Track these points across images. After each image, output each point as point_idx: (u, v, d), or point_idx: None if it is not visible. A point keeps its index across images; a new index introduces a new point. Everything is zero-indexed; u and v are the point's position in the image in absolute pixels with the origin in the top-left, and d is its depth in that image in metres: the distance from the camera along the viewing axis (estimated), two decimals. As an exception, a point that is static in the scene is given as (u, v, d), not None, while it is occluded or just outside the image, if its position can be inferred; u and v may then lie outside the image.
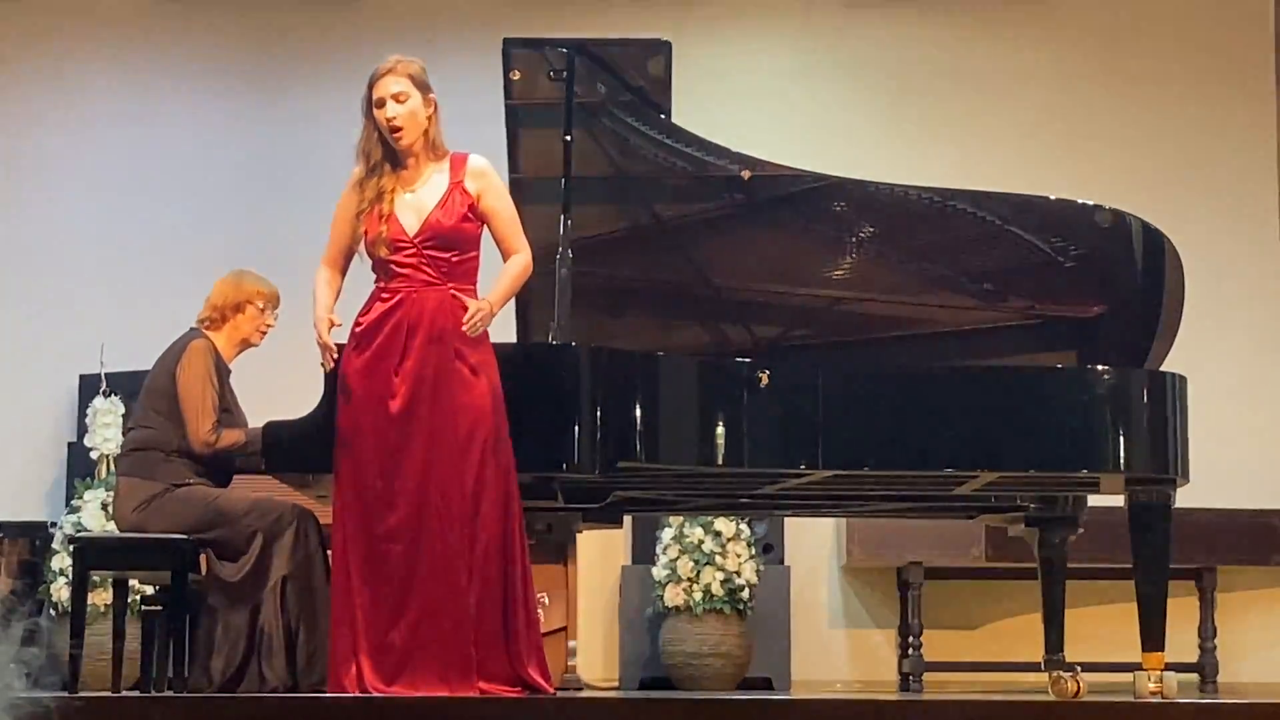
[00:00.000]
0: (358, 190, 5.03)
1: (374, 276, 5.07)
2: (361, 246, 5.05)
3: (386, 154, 5.03)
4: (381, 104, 4.99)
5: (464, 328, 4.90)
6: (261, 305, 5.79)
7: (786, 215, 5.82)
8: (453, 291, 4.97)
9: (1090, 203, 5.78)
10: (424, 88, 5.03)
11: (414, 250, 4.97)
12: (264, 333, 5.82)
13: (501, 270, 5.07)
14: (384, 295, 4.99)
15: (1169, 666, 5.42)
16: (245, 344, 5.80)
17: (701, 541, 8.02)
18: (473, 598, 4.84)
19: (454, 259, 4.98)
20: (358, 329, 4.98)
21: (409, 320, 4.93)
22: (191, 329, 5.75)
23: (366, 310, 5.00)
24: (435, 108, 5.05)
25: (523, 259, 5.06)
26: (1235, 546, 8.10)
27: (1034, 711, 4.62)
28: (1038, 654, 6.02)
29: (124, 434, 5.85)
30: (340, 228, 5.07)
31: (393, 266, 4.98)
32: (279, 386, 5.86)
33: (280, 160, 8.86)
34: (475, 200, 5.01)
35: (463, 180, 5.02)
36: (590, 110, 5.65)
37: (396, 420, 4.89)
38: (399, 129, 4.98)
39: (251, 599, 5.39)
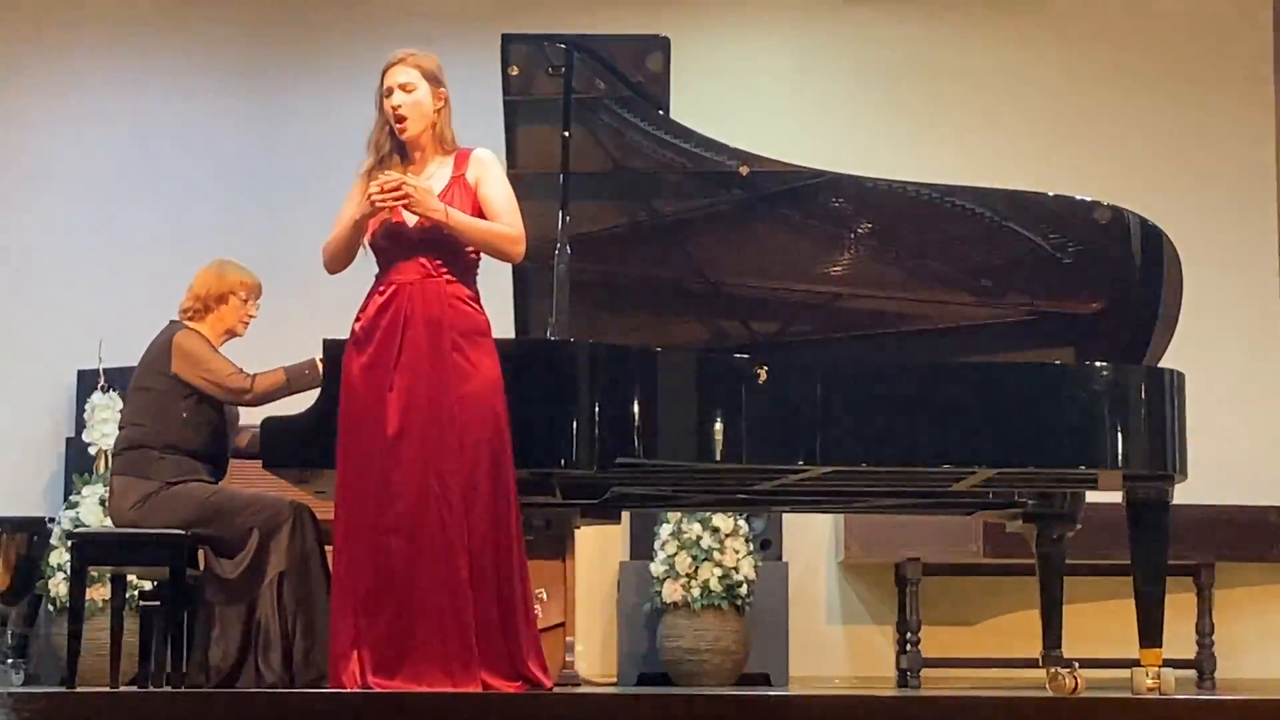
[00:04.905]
0: (365, 181, 5.03)
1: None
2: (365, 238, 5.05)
3: (395, 146, 5.04)
4: (390, 93, 5.01)
5: (380, 179, 4.89)
6: (244, 296, 5.78)
7: (785, 211, 5.82)
8: (448, 282, 4.97)
9: (1089, 199, 5.78)
10: (434, 81, 5.03)
11: (412, 244, 4.97)
12: (246, 323, 5.81)
13: None
14: (380, 289, 5.00)
15: (1167, 662, 5.43)
16: (230, 334, 5.79)
17: (700, 537, 8.03)
18: (470, 590, 4.84)
19: (452, 254, 4.98)
20: (357, 325, 4.98)
21: (404, 313, 4.93)
22: (171, 322, 5.73)
23: (365, 307, 5.01)
24: (446, 102, 5.05)
25: (509, 230, 5.00)
26: (1233, 543, 8.11)
27: (1032, 708, 4.61)
28: (1036, 650, 6.02)
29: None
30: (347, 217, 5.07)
31: (391, 258, 4.99)
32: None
33: (278, 157, 8.87)
34: (475, 190, 5.02)
35: (464, 174, 5.03)
36: (589, 106, 5.64)
37: (395, 413, 4.88)
38: (403, 119, 5.00)
39: (248, 595, 5.39)
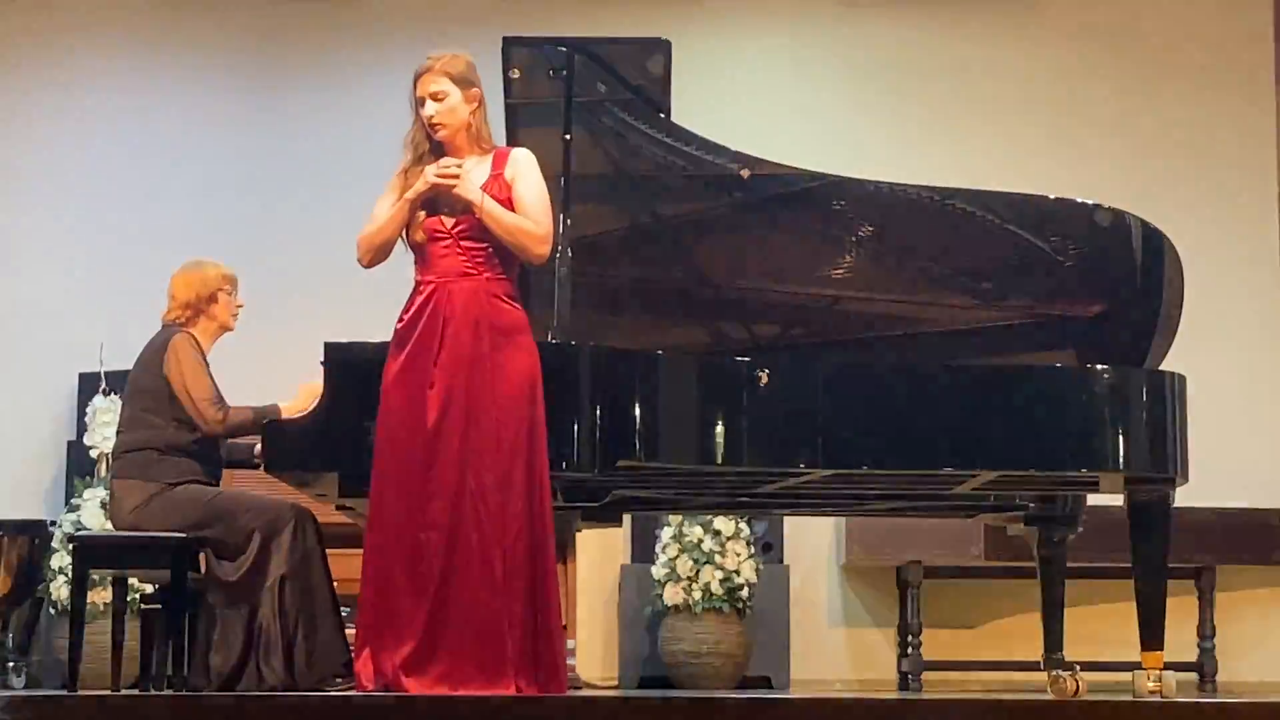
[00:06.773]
0: (403, 179, 5.06)
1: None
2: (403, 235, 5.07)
3: (433, 146, 5.07)
4: (422, 103, 5.04)
5: (443, 161, 4.96)
6: (229, 290, 5.79)
7: (786, 214, 5.82)
8: (487, 279, 4.98)
9: (1090, 201, 5.78)
10: (465, 84, 5.04)
11: (450, 240, 4.99)
12: (236, 315, 5.81)
13: None
14: (421, 288, 5.02)
15: (1168, 665, 5.43)
16: (223, 329, 5.79)
17: (701, 540, 8.03)
18: (505, 588, 4.83)
19: (490, 250, 5.00)
20: (399, 326, 5.00)
21: (443, 311, 4.95)
22: (165, 326, 5.73)
23: (407, 307, 5.03)
24: (480, 103, 5.08)
25: (536, 229, 5.00)
26: (1234, 545, 8.10)
27: (1033, 710, 4.61)
28: (1037, 653, 6.02)
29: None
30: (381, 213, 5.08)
31: (430, 255, 5.01)
32: (278, 387, 5.85)
33: (281, 158, 8.86)
34: (511, 187, 5.04)
35: (502, 172, 5.05)
36: (589, 109, 5.64)
37: (435, 410, 4.89)
38: (437, 126, 5.04)
39: (250, 598, 5.39)
